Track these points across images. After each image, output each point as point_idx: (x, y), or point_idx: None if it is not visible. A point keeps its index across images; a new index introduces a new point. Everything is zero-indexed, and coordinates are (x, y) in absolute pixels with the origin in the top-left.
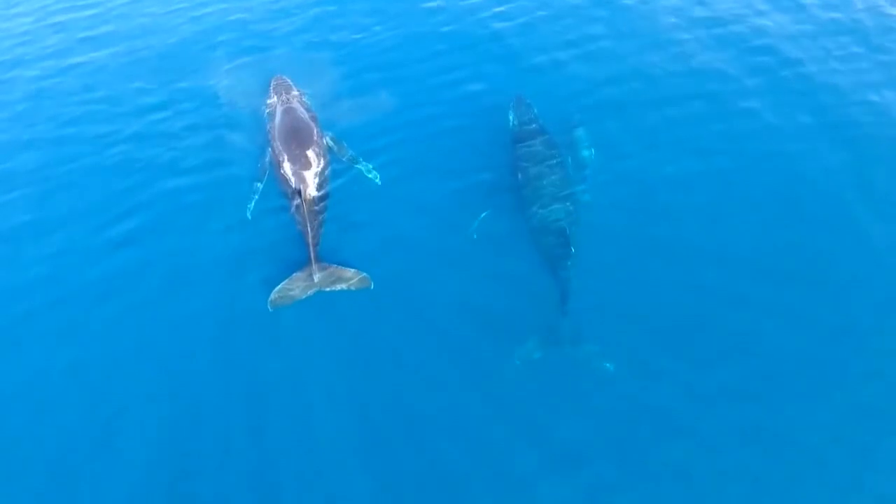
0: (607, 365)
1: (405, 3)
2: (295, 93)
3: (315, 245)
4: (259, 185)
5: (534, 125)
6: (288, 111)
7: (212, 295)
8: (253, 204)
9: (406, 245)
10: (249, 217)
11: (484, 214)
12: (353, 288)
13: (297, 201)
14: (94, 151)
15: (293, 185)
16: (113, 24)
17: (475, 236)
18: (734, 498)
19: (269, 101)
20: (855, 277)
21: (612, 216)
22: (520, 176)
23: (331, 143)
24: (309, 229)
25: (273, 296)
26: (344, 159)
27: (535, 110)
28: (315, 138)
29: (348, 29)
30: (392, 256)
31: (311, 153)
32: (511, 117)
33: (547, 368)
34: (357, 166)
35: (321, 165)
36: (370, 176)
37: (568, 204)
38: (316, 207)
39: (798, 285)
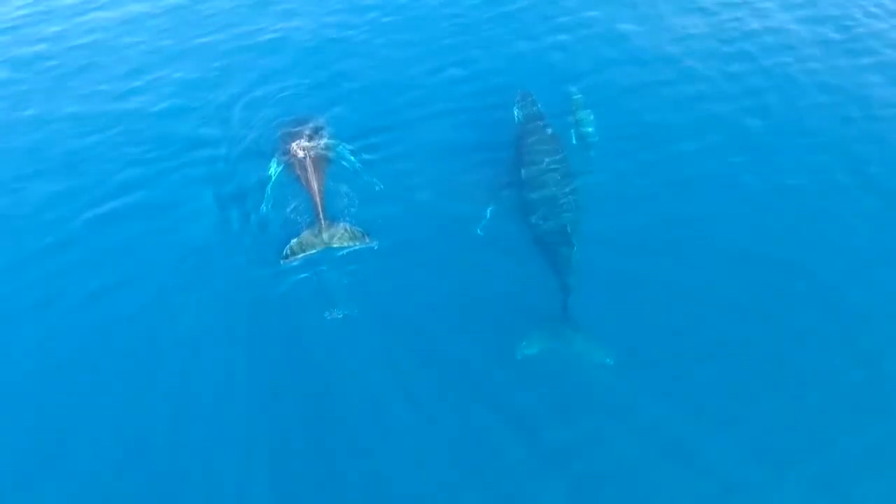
0: (607, 360)
1: None
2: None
3: (321, 203)
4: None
5: (538, 121)
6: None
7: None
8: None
9: (410, 237)
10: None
11: (490, 212)
12: (357, 245)
13: (302, 169)
14: (98, 128)
15: (300, 157)
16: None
17: (480, 232)
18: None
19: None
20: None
21: (614, 207)
22: (523, 172)
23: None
24: (316, 190)
25: (285, 251)
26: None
27: (540, 105)
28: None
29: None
30: (397, 241)
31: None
32: (516, 112)
33: (546, 362)
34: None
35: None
36: (369, 182)
37: (570, 200)
38: (321, 175)
39: (807, 279)
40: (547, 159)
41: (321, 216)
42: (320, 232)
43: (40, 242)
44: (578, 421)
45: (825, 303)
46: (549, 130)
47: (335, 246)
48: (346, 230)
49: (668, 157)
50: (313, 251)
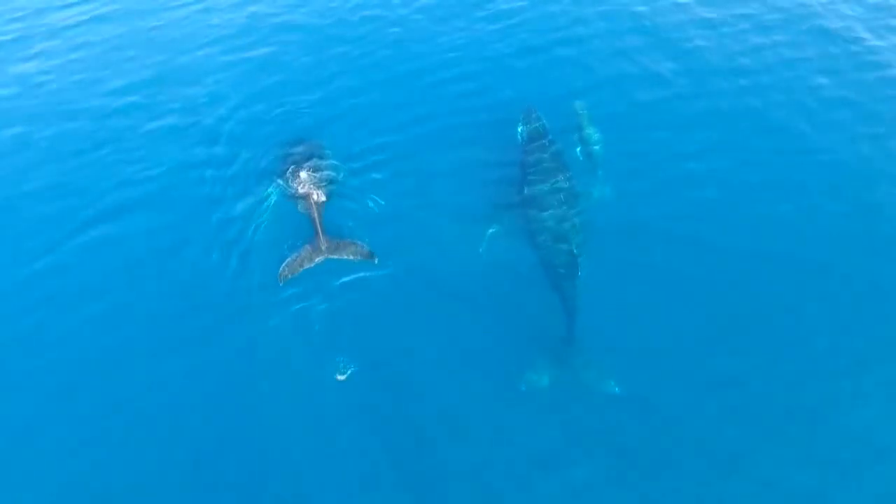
0: (615, 389)
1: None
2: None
3: (320, 219)
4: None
5: (543, 137)
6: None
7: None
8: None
9: (411, 258)
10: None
11: (491, 231)
12: (357, 258)
13: (301, 188)
14: (90, 146)
15: (298, 176)
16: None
17: (483, 253)
18: None
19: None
20: None
21: (621, 227)
22: (527, 190)
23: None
24: (314, 207)
25: (283, 268)
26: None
27: (545, 121)
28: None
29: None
30: (397, 262)
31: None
32: (520, 128)
33: (552, 390)
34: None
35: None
36: (371, 203)
37: (576, 220)
38: (320, 194)
39: (819, 301)
40: (552, 178)
41: (320, 232)
42: (319, 245)
43: (28, 266)
44: (584, 448)
45: (844, 326)
46: (555, 147)
47: (334, 258)
48: (346, 244)
49: (676, 175)
50: (312, 265)
